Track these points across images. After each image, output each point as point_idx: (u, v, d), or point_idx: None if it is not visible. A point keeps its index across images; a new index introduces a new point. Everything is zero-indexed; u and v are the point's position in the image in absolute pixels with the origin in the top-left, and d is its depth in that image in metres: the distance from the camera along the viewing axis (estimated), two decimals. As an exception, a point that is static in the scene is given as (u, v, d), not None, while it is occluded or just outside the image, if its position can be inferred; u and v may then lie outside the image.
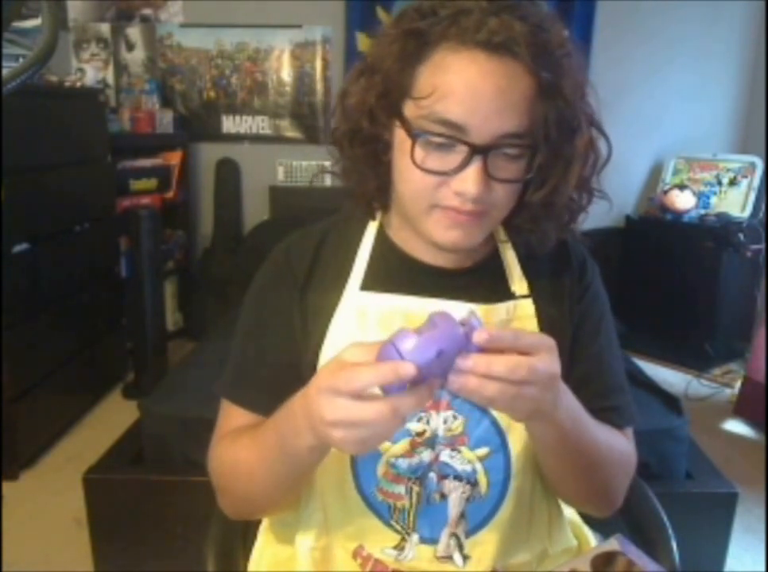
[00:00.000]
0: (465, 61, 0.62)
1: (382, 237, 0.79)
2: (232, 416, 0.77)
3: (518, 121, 0.63)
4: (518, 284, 0.77)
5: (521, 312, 0.76)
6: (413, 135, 0.65)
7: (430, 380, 0.53)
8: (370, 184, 0.74)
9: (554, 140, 0.66)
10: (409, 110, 0.66)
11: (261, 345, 0.78)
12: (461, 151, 0.64)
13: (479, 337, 0.52)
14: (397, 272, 0.77)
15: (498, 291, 0.76)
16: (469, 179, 0.64)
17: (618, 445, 0.76)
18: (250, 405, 0.76)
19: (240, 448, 0.72)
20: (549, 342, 0.57)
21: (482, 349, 0.53)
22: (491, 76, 0.61)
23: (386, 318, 0.73)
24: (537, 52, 0.62)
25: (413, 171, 0.66)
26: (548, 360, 0.56)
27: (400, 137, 0.67)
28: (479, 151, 0.63)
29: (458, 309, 0.73)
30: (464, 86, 0.62)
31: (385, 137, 0.69)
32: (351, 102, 0.70)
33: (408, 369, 0.50)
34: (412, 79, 0.65)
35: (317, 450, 0.61)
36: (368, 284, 0.75)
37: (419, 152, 0.65)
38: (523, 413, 0.59)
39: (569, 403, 0.65)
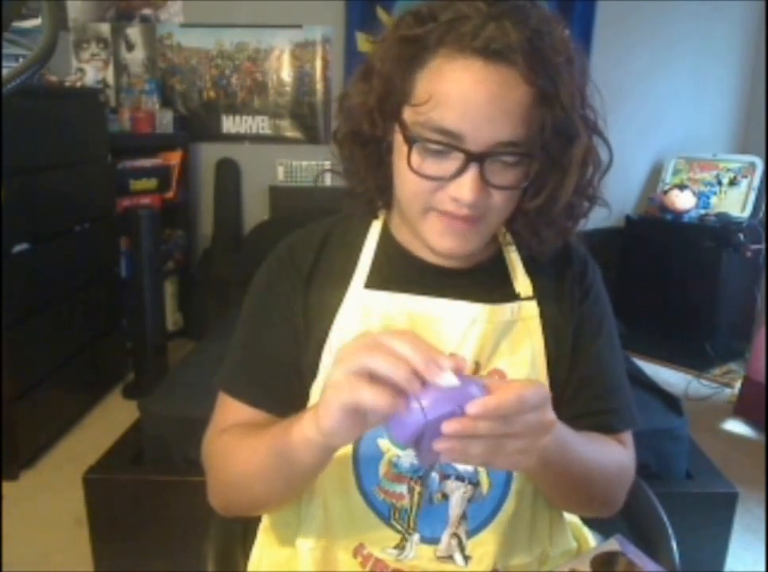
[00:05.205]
0: (461, 69, 0.62)
1: (386, 236, 0.79)
2: (230, 410, 0.77)
3: (514, 129, 0.63)
4: (522, 284, 0.77)
5: (525, 313, 0.76)
6: (410, 141, 0.65)
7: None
8: (370, 184, 0.75)
9: (551, 148, 0.65)
10: (408, 115, 0.66)
11: (263, 340, 0.78)
12: (457, 158, 0.64)
13: (473, 408, 0.50)
14: (401, 271, 0.77)
15: (502, 292, 0.76)
16: (465, 186, 0.64)
17: (613, 459, 0.76)
18: (249, 399, 0.76)
19: (243, 441, 0.72)
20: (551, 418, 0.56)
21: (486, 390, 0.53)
22: (486, 84, 0.61)
23: (390, 317, 0.73)
24: (534, 59, 0.61)
25: (410, 174, 0.66)
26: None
27: (399, 140, 0.68)
28: (474, 158, 0.63)
29: (464, 309, 0.73)
30: (459, 93, 0.62)
31: (388, 138, 0.70)
32: (352, 104, 0.70)
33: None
34: (411, 84, 0.65)
35: (313, 445, 0.59)
36: (372, 283, 0.75)
37: (416, 158, 0.65)
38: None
39: (556, 435, 0.61)
